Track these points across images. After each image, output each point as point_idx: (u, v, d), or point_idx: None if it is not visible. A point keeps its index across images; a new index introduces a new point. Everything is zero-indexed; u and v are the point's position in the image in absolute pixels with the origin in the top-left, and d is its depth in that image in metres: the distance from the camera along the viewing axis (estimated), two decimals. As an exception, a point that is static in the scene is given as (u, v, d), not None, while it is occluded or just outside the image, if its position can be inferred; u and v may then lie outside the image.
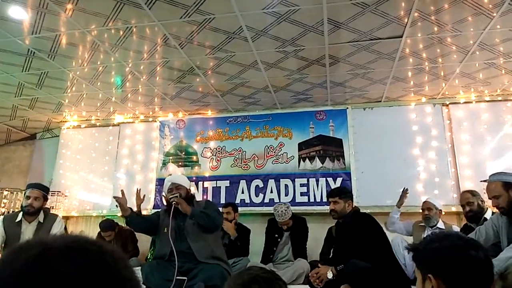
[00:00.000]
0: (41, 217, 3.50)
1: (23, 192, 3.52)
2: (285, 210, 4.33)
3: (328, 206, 3.42)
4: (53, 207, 5.59)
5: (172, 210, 3.30)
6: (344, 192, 3.38)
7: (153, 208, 5.50)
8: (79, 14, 3.35)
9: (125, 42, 3.86)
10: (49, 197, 3.88)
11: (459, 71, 4.50)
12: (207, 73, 4.55)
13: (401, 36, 3.73)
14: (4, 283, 0.53)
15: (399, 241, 4.21)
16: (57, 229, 3.50)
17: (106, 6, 3.25)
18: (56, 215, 3.72)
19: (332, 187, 5.07)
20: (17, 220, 3.45)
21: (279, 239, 4.44)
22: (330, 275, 3.07)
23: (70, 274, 0.53)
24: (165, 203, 3.64)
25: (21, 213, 3.48)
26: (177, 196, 3.34)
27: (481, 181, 3.19)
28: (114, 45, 3.93)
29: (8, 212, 5.04)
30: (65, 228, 3.99)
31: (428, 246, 1.29)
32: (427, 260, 1.27)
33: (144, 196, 3.79)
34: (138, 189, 3.79)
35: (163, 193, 3.63)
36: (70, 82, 4.81)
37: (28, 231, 3.41)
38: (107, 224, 4.92)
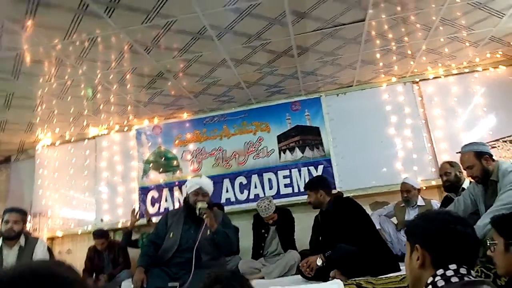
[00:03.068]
0: (22, 241, 3.42)
1: (1, 217, 3.43)
2: (268, 205, 4.31)
3: (313, 195, 3.46)
4: (36, 229, 5.48)
5: (182, 216, 3.23)
6: (314, 184, 3.44)
7: (139, 217, 5.43)
8: (39, 29, 3.27)
9: (91, 53, 3.79)
10: (29, 219, 3.81)
11: (425, 48, 4.58)
12: (177, 75, 4.52)
13: (364, 20, 3.77)
14: None
15: (384, 219, 4.31)
16: (39, 251, 3.43)
17: (65, 19, 3.18)
18: (37, 238, 3.65)
19: (314, 175, 5.12)
20: (-3, 247, 3.37)
21: (266, 234, 4.44)
22: (319, 262, 3.11)
23: None
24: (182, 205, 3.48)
25: (1, 239, 3.40)
26: (208, 208, 3.20)
27: (456, 153, 3.26)
28: (79, 58, 3.85)
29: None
30: (49, 249, 3.92)
31: (419, 221, 1.36)
32: (416, 232, 1.32)
33: (137, 214, 3.63)
34: (133, 208, 3.66)
35: (186, 193, 3.42)
36: (39, 100, 4.70)
37: (10, 257, 3.33)
38: (99, 232, 4.93)
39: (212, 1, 3.19)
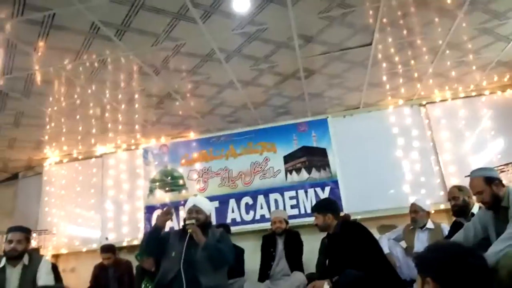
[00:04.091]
0: (26, 259, 3.40)
1: (4, 236, 3.41)
2: (282, 211, 4.68)
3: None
4: (41, 246, 5.46)
5: (188, 237, 3.19)
6: (322, 207, 3.38)
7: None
8: (50, 51, 3.34)
9: (100, 74, 3.86)
10: (34, 237, 3.79)
11: (432, 71, 4.59)
12: (185, 96, 4.56)
13: (371, 44, 3.80)
14: None
15: (393, 243, 4.24)
16: (43, 270, 3.39)
17: (76, 41, 3.25)
18: (42, 256, 3.62)
19: (321, 197, 5.09)
20: (0, 266, 3.35)
21: (274, 253, 4.41)
22: (326, 287, 3.05)
23: None
24: (182, 224, 3.49)
25: (4, 258, 3.38)
26: (194, 224, 3.21)
27: (465, 176, 3.22)
28: (89, 78, 3.92)
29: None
30: (55, 268, 3.88)
31: (430, 252, 1.35)
32: (427, 264, 1.31)
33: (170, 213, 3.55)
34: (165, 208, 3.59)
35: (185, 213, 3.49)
36: (48, 118, 4.76)
37: (13, 276, 3.30)
38: (107, 246, 4.89)
39: (220, 26, 3.24)
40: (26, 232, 3.48)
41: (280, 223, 4.44)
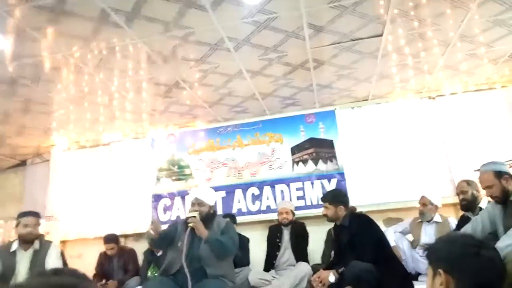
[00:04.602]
0: (36, 244, 3.46)
1: (17, 221, 3.46)
2: (289, 202, 4.73)
3: (325, 209, 3.41)
4: (48, 232, 5.52)
5: (185, 227, 3.21)
6: (335, 198, 3.35)
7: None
8: (60, 38, 3.34)
9: (108, 62, 3.85)
10: (42, 222, 3.86)
11: (443, 64, 4.54)
12: (193, 85, 4.55)
13: (382, 35, 3.76)
14: None
15: (399, 236, 4.24)
16: (52, 255, 3.45)
17: (85, 28, 3.24)
18: (51, 242, 3.67)
19: (328, 189, 5.08)
20: (11, 250, 3.40)
21: (279, 243, 4.43)
22: (332, 278, 3.05)
23: None
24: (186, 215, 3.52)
25: (16, 242, 3.44)
26: (195, 216, 3.20)
27: (474, 171, 3.20)
28: (97, 66, 3.91)
29: (4, 242, 4.97)
30: (62, 254, 3.94)
31: (441, 244, 1.33)
32: (439, 256, 1.29)
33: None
34: (154, 219, 3.57)
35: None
36: (57, 105, 4.77)
37: (24, 260, 3.36)
38: (110, 236, 4.94)
39: (230, 14, 3.21)
40: (38, 217, 3.57)
41: (287, 214, 4.45)
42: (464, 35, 3.91)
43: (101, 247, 5.10)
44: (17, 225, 3.43)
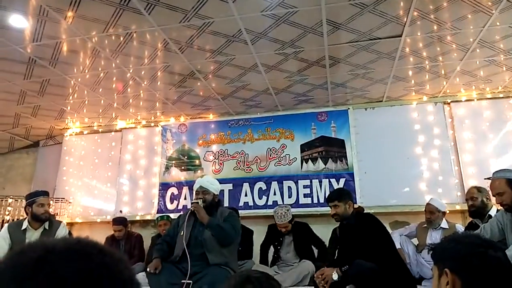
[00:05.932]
0: (46, 224, 3.52)
1: (32, 200, 3.50)
2: (285, 213, 4.32)
3: (332, 207, 3.40)
4: (57, 214, 5.60)
5: (188, 214, 3.36)
6: (342, 194, 3.34)
7: (157, 213, 5.51)
8: (79, 21, 3.37)
9: (126, 48, 3.88)
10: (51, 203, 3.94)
11: (460, 69, 4.49)
12: (207, 76, 4.56)
13: (401, 36, 3.73)
14: (4, 286, 0.53)
15: (404, 239, 4.21)
16: (61, 235, 3.51)
17: (106, 12, 3.27)
18: (60, 221, 3.74)
19: (335, 188, 5.06)
20: (22, 228, 3.46)
21: (279, 246, 4.44)
22: (335, 276, 3.06)
23: (71, 277, 0.54)
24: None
25: (26, 220, 3.49)
26: (197, 202, 3.38)
27: (485, 178, 3.17)
28: (114, 51, 3.94)
29: (13, 220, 5.06)
30: (70, 234, 4.00)
31: (448, 243, 1.30)
32: (445, 256, 1.27)
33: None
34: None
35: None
36: (72, 89, 4.83)
37: (33, 238, 3.42)
38: (119, 219, 5.02)
39: (250, 6, 3.21)
40: (49, 197, 3.62)
41: (286, 227, 4.38)
42: (484, 41, 3.87)
43: (108, 232, 5.16)
44: (31, 204, 3.47)
